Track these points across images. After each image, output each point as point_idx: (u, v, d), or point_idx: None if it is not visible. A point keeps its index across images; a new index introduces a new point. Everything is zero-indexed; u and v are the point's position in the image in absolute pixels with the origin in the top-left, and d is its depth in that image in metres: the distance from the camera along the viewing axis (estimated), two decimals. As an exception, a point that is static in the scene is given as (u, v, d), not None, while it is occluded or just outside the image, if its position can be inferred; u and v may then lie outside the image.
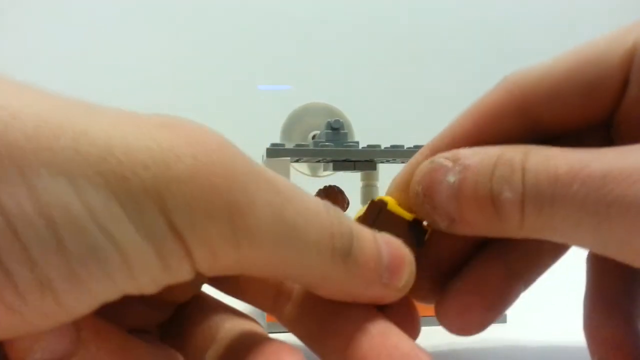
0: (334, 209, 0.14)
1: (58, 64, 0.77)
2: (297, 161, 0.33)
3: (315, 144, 0.29)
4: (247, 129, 0.62)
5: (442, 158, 0.16)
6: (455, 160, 0.16)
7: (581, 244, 0.15)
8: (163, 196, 0.11)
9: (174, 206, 0.11)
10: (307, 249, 0.13)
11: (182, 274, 0.12)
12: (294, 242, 0.13)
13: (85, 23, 0.79)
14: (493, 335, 0.21)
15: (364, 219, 0.17)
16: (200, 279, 0.17)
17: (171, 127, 0.12)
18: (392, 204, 0.17)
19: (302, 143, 0.32)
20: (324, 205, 0.14)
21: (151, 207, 0.11)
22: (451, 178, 0.15)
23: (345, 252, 0.14)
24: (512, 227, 0.15)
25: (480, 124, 0.17)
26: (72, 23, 0.78)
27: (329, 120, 0.30)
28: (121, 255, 0.11)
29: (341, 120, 0.30)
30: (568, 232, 0.14)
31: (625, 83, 0.16)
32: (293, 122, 0.36)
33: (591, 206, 0.13)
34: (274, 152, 0.27)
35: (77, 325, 0.12)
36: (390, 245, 0.15)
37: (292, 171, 0.33)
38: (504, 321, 0.29)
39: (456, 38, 0.90)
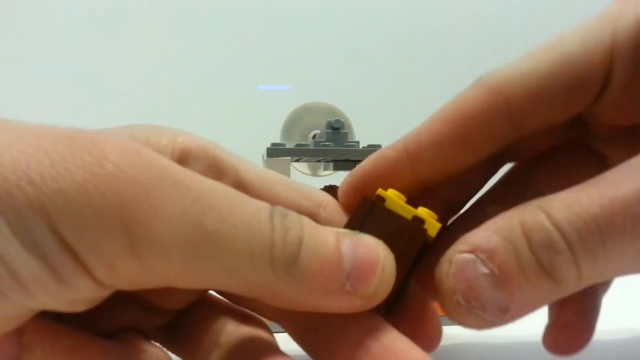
0: (284, 215, 0.13)
1: (58, 63, 0.77)
2: (297, 161, 0.33)
3: (316, 143, 0.29)
4: (247, 129, 0.62)
5: (457, 253, 0.14)
6: (474, 250, 0.14)
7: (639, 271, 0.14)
8: (49, 211, 0.11)
9: (62, 220, 0.11)
10: (234, 260, 0.12)
11: (85, 288, 0.12)
12: (216, 252, 0.12)
13: (85, 23, 0.79)
14: (493, 335, 0.21)
15: (352, 220, 0.15)
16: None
17: (72, 140, 0.12)
18: (392, 200, 0.15)
19: (303, 143, 0.32)
20: (271, 211, 0.13)
21: (37, 222, 0.11)
22: (484, 269, 0.14)
23: (288, 262, 0.13)
24: (572, 286, 0.14)
25: (461, 124, 0.16)
26: (72, 22, 0.78)
27: (330, 119, 0.30)
28: (9, 271, 0.11)
29: (341, 119, 0.30)
30: (627, 266, 0.14)
31: (607, 77, 0.16)
32: (293, 122, 0.36)
33: None
34: (274, 151, 0.27)
35: (19, 331, 0.12)
36: (358, 248, 0.14)
37: (293, 171, 0.33)
38: (505, 321, 0.29)
39: (458, 38, 0.90)
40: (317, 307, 0.13)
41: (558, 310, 0.20)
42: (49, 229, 0.11)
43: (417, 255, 0.15)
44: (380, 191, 0.16)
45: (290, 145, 0.29)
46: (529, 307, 0.14)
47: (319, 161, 0.32)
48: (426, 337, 0.14)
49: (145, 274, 0.12)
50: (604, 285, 0.21)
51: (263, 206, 0.13)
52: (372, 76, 0.85)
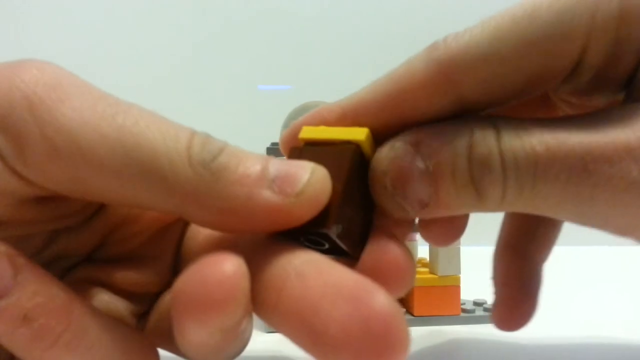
0: (206, 135, 0.13)
1: (57, 63, 0.77)
2: (297, 161, 0.33)
3: (316, 143, 0.29)
4: (247, 128, 0.62)
5: (402, 142, 0.14)
6: (417, 144, 0.14)
7: (560, 217, 0.15)
8: None
9: None
10: (153, 152, 0.12)
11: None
12: (134, 140, 0.12)
13: (85, 22, 0.79)
14: (493, 335, 0.21)
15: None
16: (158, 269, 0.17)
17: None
18: (316, 131, 0.15)
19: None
20: (192, 130, 0.13)
21: None
22: (420, 163, 0.14)
23: (206, 160, 0.12)
24: (491, 207, 0.14)
25: (401, 94, 0.15)
26: (71, 21, 0.78)
27: (329, 120, 0.30)
28: None
29: (341, 120, 0.30)
30: (548, 210, 0.14)
31: (576, 66, 0.14)
32: (293, 121, 0.37)
33: (573, 187, 0.13)
34: (274, 151, 0.27)
35: (15, 267, 0.12)
36: (284, 162, 0.13)
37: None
38: (504, 321, 0.29)
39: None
40: (244, 209, 0.12)
41: (501, 287, 0.21)
42: None
43: (353, 165, 0.14)
44: (303, 133, 0.16)
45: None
46: (447, 211, 0.15)
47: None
48: (392, 278, 0.14)
49: (52, 153, 0.12)
50: (542, 255, 0.21)
51: (185, 127, 0.13)
52: (372, 76, 0.85)
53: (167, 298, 0.18)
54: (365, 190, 0.15)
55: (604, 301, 0.34)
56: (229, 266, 0.11)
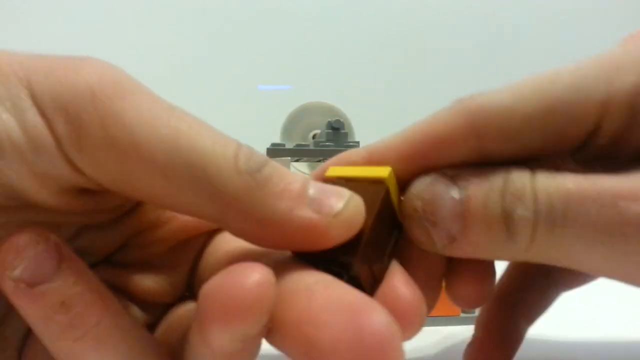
0: (250, 149, 0.14)
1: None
2: (297, 161, 0.33)
3: (316, 143, 0.30)
4: (247, 129, 0.62)
5: (440, 173, 0.15)
6: (454, 176, 0.15)
7: (591, 268, 0.14)
8: (30, 78, 0.13)
9: (40, 89, 0.13)
10: (204, 156, 0.13)
11: (49, 154, 0.13)
12: (188, 144, 0.13)
13: (85, 22, 0.79)
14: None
15: None
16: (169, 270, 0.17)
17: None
18: (347, 170, 0.16)
19: (303, 143, 0.32)
20: (238, 143, 0.14)
21: (19, 88, 0.13)
22: (454, 193, 0.14)
23: (252, 169, 0.13)
24: (520, 248, 0.14)
25: (428, 141, 0.16)
26: (71, 21, 0.78)
27: (330, 119, 0.30)
28: None
29: (342, 120, 0.30)
30: (577, 254, 0.14)
31: (594, 132, 0.15)
32: (293, 122, 0.37)
33: (605, 225, 0.13)
34: (274, 151, 0.27)
35: (60, 255, 0.13)
36: (323, 185, 0.14)
37: (293, 171, 0.34)
38: (504, 321, 0.29)
39: (458, 38, 0.90)
40: (282, 222, 0.13)
41: (481, 330, 0.21)
42: (29, 95, 0.13)
43: (383, 201, 0.15)
44: (330, 172, 0.16)
45: (290, 145, 0.29)
46: (475, 249, 0.14)
47: (319, 161, 0.32)
48: (404, 319, 0.14)
49: (112, 149, 0.13)
50: (528, 319, 0.21)
51: (232, 138, 0.14)
52: (372, 76, 0.85)
53: (179, 310, 0.18)
54: (387, 230, 0.15)
55: (604, 301, 0.34)
56: (258, 275, 0.11)
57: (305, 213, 0.13)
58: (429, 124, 0.16)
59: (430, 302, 0.17)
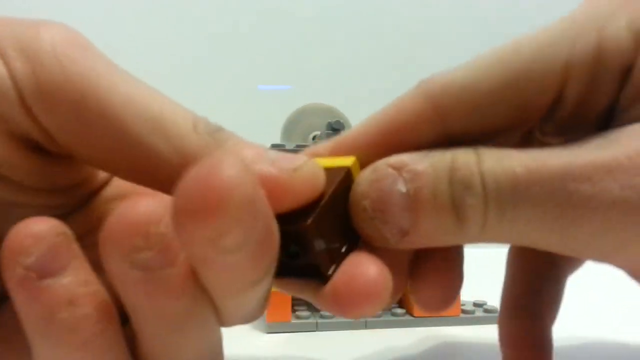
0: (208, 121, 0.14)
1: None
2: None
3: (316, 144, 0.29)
4: (247, 129, 0.62)
5: (385, 165, 0.14)
6: (401, 167, 0.14)
7: (543, 246, 0.14)
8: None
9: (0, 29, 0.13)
10: (163, 116, 0.13)
11: (5, 95, 0.13)
12: (147, 103, 0.13)
13: (84, 21, 0.79)
14: (493, 335, 0.21)
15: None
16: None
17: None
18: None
19: (303, 144, 0.32)
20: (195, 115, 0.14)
21: None
22: (402, 187, 0.14)
23: (211, 130, 0.13)
24: (472, 233, 0.14)
25: (392, 127, 0.16)
26: (71, 20, 0.78)
27: (330, 120, 0.30)
28: None
29: (341, 121, 0.30)
30: (531, 235, 0.14)
31: (555, 102, 0.15)
32: (293, 123, 0.37)
33: (555, 208, 0.13)
34: (275, 152, 0.27)
35: (72, 251, 0.12)
36: (281, 153, 0.14)
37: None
38: (504, 322, 0.29)
39: (457, 39, 0.90)
40: None
41: (512, 350, 0.20)
42: None
43: (341, 184, 0.15)
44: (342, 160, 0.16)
45: (290, 146, 0.29)
46: (427, 239, 0.14)
47: (319, 162, 0.32)
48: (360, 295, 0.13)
49: (71, 107, 0.13)
50: (551, 315, 0.20)
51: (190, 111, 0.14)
52: (372, 77, 0.85)
53: None
54: (347, 218, 0.15)
55: (604, 301, 0.34)
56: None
57: (266, 167, 0.13)
58: (391, 108, 0.16)
59: (397, 288, 0.16)
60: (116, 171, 0.14)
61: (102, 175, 0.17)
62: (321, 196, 0.14)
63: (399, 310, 0.29)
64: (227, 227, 0.10)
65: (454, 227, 0.14)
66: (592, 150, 0.13)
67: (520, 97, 0.15)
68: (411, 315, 0.29)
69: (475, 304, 0.31)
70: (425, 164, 0.14)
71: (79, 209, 0.17)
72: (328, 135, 0.30)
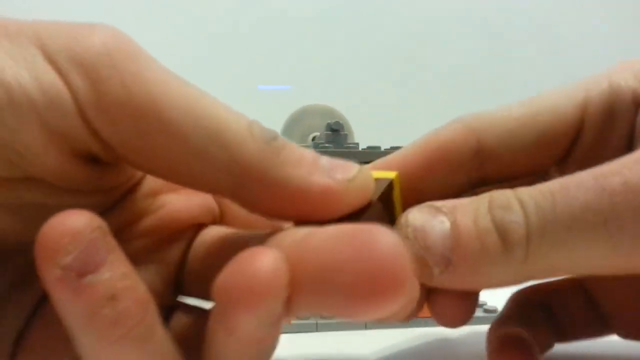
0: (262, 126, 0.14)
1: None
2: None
3: (315, 145, 0.30)
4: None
5: (427, 205, 0.15)
6: (440, 206, 0.15)
7: (589, 262, 0.14)
8: (40, 37, 0.13)
9: (50, 43, 0.13)
10: (219, 123, 0.13)
11: (65, 110, 0.12)
12: (205, 109, 0.13)
13: (84, 21, 0.79)
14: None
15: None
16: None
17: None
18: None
19: (302, 144, 0.32)
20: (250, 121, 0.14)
21: (27, 44, 0.12)
22: (443, 217, 0.14)
23: (267, 138, 0.13)
24: (517, 260, 0.14)
25: (431, 156, 0.17)
26: (71, 20, 0.78)
27: (329, 121, 0.30)
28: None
29: (341, 121, 0.30)
30: (577, 252, 0.13)
31: (577, 133, 0.17)
32: (293, 124, 0.37)
33: (592, 205, 0.13)
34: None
35: (108, 245, 0.12)
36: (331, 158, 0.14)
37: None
38: (503, 322, 0.29)
39: (457, 40, 0.90)
40: (299, 189, 0.13)
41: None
42: (41, 53, 0.12)
43: (386, 194, 0.16)
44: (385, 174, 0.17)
45: (290, 146, 0.29)
46: (472, 266, 0.14)
47: (318, 162, 0.33)
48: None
49: (129, 105, 0.12)
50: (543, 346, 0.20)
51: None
52: (372, 78, 0.85)
53: (183, 317, 0.17)
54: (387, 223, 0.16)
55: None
56: (270, 257, 0.11)
57: (322, 179, 0.13)
58: (432, 134, 0.18)
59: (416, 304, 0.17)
60: (173, 178, 0.14)
61: (139, 174, 0.17)
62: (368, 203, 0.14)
63: (399, 311, 0.29)
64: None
65: (499, 250, 0.14)
66: (618, 158, 0.14)
67: (543, 129, 0.17)
68: (411, 315, 0.29)
69: (475, 305, 0.31)
70: (462, 201, 0.15)
71: (119, 203, 0.17)
72: (327, 136, 0.30)
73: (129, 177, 0.17)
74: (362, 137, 0.33)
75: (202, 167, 0.13)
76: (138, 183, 0.17)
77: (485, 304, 0.30)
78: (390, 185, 0.16)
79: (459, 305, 0.17)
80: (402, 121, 0.82)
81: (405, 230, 0.15)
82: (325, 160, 0.14)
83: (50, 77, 0.12)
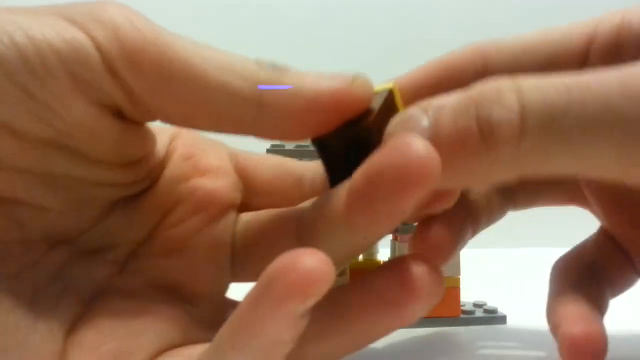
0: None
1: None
2: (297, 162, 0.33)
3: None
4: (247, 129, 0.62)
5: (413, 107, 0.14)
6: (426, 108, 0.13)
7: (599, 170, 0.12)
8: (58, 9, 0.14)
9: (67, 10, 0.14)
10: (229, 58, 0.14)
11: (93, 62, 0.13)
12: (211, 49, 0.15)
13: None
14: (493, 336, 0.21)
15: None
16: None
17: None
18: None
19: (303, 144, 0.31)
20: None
21: (47, 13, 0.14)
22: (425, 122, 0.13)
23: (271, 64, 0.15)
24: (504, 158, 0.12)
25: (441, 73, 0.19)
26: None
27: (330, 120, 0.30)
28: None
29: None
30: (589, 154, 0.12)
31: (583, 62, 0.18)
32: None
33: (618, 109, 0.11)
34: (275, 152, 0.27)
35: None
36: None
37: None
38: (504, 322, 0.29)
39: (457, 41, 0.90)
40: (312, 95, 0.14)
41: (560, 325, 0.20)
42: (65, 19, 0.14)
43: (388, 101, 0.16)
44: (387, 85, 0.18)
45: (290, 146, 0.29)
46: (453, 175, 0.13)
47: (319, 162, 0.32)
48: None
49: (151, 63, 0.14)
50: (612, 291, 0.22)
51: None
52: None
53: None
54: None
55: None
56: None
57: (329, 82, 0.14)
58: (445, 55, 0.19)
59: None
60: (198, 122, 0.15)
61: (158, 155, 0.18)
62: (370, 112, 0.15)
63: (399, 311, 0.29)
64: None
65: (480, 149, 0.12)
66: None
67: (552, 53, 0.18)
68: (411, 315, 0.29)
69: (475, 305, 0.30)
70: (451, 97, 0.13)
71: (148, 190, 0.18)
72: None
73: (148, 153, 0.17)
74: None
75: (225, 101, 0.14)
76: (162, 166, 0.18)
77: (485, 304, 0.30)
78: (390, 93, 0.16)
79: (446, 232, 0.18)
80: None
81: (389, 139, 0.13)
82: (325, 73, 0.15)
83: (73, 31, 0.13)
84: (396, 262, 0.13)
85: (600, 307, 0.20)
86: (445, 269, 0.29)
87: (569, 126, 0.11)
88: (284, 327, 0.11)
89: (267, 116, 0.14)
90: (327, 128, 0.15)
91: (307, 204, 0.17)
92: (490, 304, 0.30)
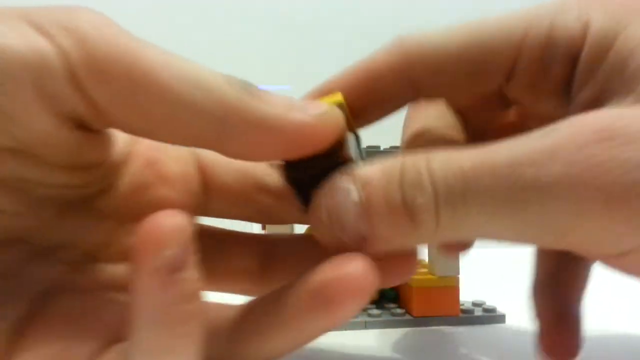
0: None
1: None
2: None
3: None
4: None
5: (339, 179, 0.15)
6: (354, 179, 0.15)
7: (499, 237, 0.14)
8: (25, 13, 0.13)
9: (35, 15, 0.13)
10: (200, 77, 0.14)
11: (56, 73, 0.13)
12: (181, 61, 0.14)
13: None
14: (492, 335, 0.21)
15: None
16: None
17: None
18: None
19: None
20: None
21: (14, 17, 0.13)
22: (355, 195, 0.14)
23: (243, 84, 0.14)
24: (428, 233, 0.14)
25: (363, 80, 0.18)
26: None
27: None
28: None
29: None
30: (484, 227, 0.14)
31: (509, 73, 0.17)
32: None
33: (504, 195, 0.13)
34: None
35: (189, 248, 0.12)
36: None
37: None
38: (503, 321, 0.29)
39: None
40: (279, 126, 0.14)
41: (540, 320, 0.21)
42: (31, 25, 0.13)
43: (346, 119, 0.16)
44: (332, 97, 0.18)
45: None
46: (385, 243, 0.15)
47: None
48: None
49: (118, 71, 0.13)
50: (576, 296, 0.22)
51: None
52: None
53: None
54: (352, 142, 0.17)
55: (604, 298, 0.34)
56: (363, 261, 0.14)
57: (299, 115, 0.14)
58: (367, 59, 0.18)
59: None
60: (161, 134, 0.15)
61: (119, 155, 0.18)
62: (340, 145, 0.15)
63: (399, 310, 0.29)
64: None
65: (410, 229, 0.14)
66: (536, 139, 0.14)
67: (480, 60, 0.17)
68: (411, 315, 0.29)
69: (474, 304, 0.31)
70: (375, 171, 0.15)
71: (109, 193, 0.17)
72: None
73: (109, 155, 0.17)
74: (362, 137, 0.33)
75: (189, 117, 0.14)
76: (123, 167, 0.18)
77: (485, 304, 0.30)
78: (341, 106, 0.16)
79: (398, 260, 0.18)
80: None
81: (320, 215, 0.15)
82: (297, 100, 0.15)
83: (39, 39, 0.13)
84: (332, 261, 0.14)
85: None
86: (445, 269, 0.29)
87: (467, 206, 0.14)
88: (155, 284, 0.12)
89: (231, 136, 0.14)
90: (292, 156, 0.15)
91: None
92: (489, 303, 0.30)
